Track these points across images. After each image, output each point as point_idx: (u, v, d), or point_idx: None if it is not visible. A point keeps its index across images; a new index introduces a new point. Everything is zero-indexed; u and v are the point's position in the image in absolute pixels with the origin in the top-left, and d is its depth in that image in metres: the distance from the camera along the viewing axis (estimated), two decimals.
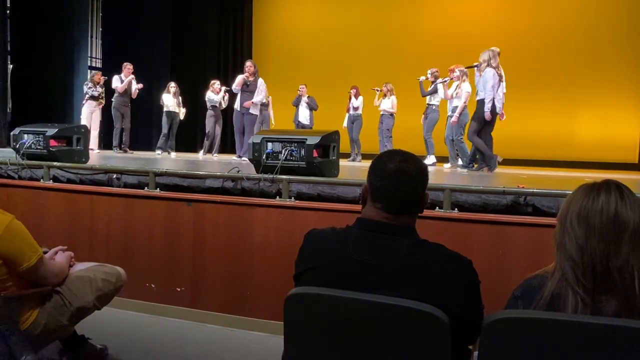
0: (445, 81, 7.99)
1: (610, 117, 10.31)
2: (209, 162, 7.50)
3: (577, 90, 10.50)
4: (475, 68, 6.75)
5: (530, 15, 10.82)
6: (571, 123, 10.63)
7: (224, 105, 9.72)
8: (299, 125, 10.16)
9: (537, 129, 10.43)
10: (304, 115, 10.21)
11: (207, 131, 9.56)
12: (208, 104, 9.57)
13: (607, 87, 10.27)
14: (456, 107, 7.54)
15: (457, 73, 7.71)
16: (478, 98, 6.51)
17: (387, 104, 9.38)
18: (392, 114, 9.36)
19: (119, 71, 9.51)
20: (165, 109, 9.65)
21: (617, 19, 10.28)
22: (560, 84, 10.52)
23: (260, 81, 8.14)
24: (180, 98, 9.82)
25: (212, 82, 9.65)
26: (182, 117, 9.94)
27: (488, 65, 6.39)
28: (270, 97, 10.28)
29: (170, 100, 9.62)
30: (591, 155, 10.00)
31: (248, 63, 8.25)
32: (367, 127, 9.79)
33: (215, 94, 9.50)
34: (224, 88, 9.55)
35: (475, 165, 6.87)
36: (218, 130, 9.65)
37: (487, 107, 6.32)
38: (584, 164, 9.67)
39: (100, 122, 9.58)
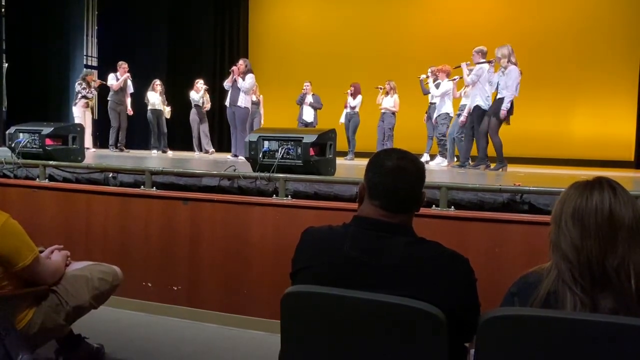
0: (455, 79, 7.88)
1: (607, 116, 10.32)
2: (205, 160, 7.49)
3: (573, 88, 10.50)
4: (489, 64, 6.63)
5: (528, 15, 10.81)
6: (568, 121, 10.64)
7: (207, 106, 9.69)
8: (303, 123, 9.99)
9: (534, 127, 10.40)
10: (308, 114, 10.06)
11: (192, 129, 9.68)
12: (192, 103, 9.61)
13: (604, 85, 10.27)
14: (464, 105, 7.34)
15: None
16: (499, 96, 6.30)
17: (390, 102, 9.18)
18: (393, 113, 9.19)
19: (115, 70, 9.47)
20: (150, 107, 9.56)
21: (613, 17, 10.28)
22: (557, 82, 10.52)
23: (250, 75, 8.13)
24: (164, 96, 9.74)
25: (196, 81, 9.64)
26: (167, 115, 9.83)
27: (509, 62, 6.20)
28: (261, 95, 10.22)
29: (156, 98, 9.55)
30: (588, 153, 10.01)
31: (240, 62, 8.25)
32: (366, 125, 9.70)
33: (196, 93, 9.53)
34: (204, 87, 9.55)
35: (472, 163, 6.86)
36: (204, 128, 9.63)
37: (506, 105, 6.14)
38: (581, 162, 9.68)
39: (92, 120, 9.53)
